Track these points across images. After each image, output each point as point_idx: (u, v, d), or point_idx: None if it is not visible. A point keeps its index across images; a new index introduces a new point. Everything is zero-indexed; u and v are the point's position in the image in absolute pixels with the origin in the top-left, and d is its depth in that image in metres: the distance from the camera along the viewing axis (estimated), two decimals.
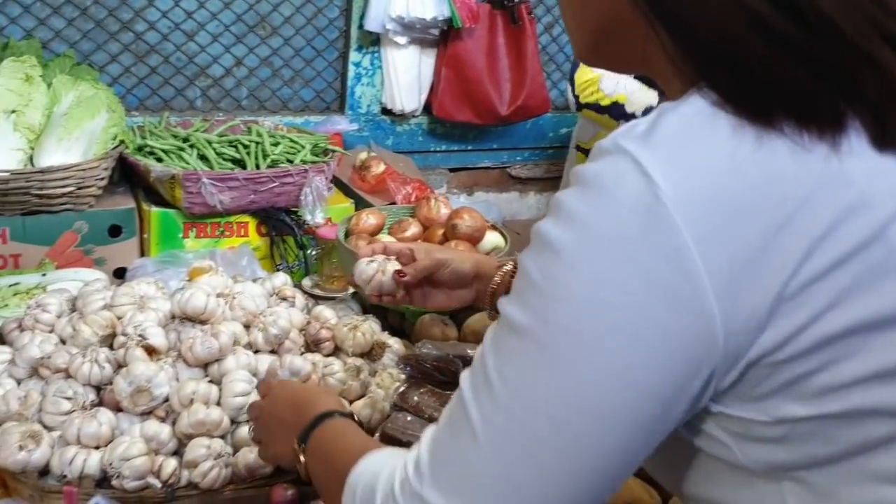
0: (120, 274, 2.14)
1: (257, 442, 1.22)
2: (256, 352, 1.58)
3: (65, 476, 1.30)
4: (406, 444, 1.26)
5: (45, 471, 1.32)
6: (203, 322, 1.54)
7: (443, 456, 0.69)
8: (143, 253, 2.22)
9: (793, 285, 0.62)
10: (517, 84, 3.02)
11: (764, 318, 0.62)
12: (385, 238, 1.90)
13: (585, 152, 2.38)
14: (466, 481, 0.67)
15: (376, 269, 1.38)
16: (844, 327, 0.63)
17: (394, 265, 1.38)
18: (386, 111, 3.02)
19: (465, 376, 0.71)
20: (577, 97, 2.62)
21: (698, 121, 0.65)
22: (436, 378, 1.50)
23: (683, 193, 0.61)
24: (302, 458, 1.02)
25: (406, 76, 2.93)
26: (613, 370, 0.63)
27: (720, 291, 0.61)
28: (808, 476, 0.69)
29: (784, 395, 0.65)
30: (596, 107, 2.53)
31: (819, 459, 0.68)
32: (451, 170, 3.22)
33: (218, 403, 1.41)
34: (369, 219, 2.03)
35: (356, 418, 1.07)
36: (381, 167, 2.56)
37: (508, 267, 1.37)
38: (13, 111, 2.06)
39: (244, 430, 1.36)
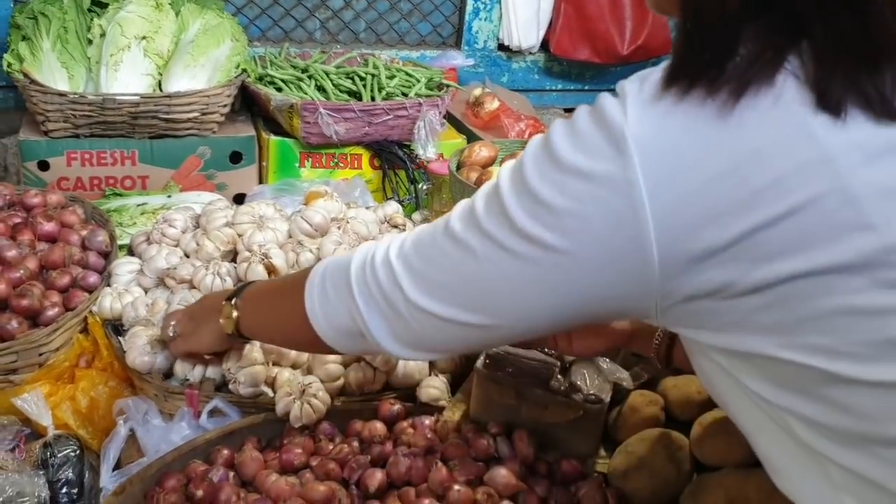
0: (239, 199, 2.21)
1: (175, 338, 1.33)
2: None
3: (187, 379, 1.37)
4: (510, 365, 1.27)
5: (168, 373, 1.40)
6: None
7: (419, 249, 0.87)
8: (261, 180, 2.28)
9: (735, 230, 0.67)
10: (639, 23, 2.92)
11: (705, 255, 0.69)
12: (496, 170, 1.88)
13: None
14: (426, 274, 0.85)
15: None
16: (798, 271, 0.67)
17: None
18: (502, 47, 2.98)
19: (461, 202, 0.85)
20: None
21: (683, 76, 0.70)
22: None
23: (646, 136, 0.69)
24: (234, 314, 1.20)
25: (524, 11, 2.88)
26: (551, 260, 0.74)
27: (659, 225, 0.69)
28: (798, 409, 0.74)
29: (746, 328, 0.72)
30: None
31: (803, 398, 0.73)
32: (566, 110, 3.17)
33: None
34: (482, 151, 2.02)
35: None
36: (495, 104, 2.54)
37: None
38: (144, 37, 2.14)
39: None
